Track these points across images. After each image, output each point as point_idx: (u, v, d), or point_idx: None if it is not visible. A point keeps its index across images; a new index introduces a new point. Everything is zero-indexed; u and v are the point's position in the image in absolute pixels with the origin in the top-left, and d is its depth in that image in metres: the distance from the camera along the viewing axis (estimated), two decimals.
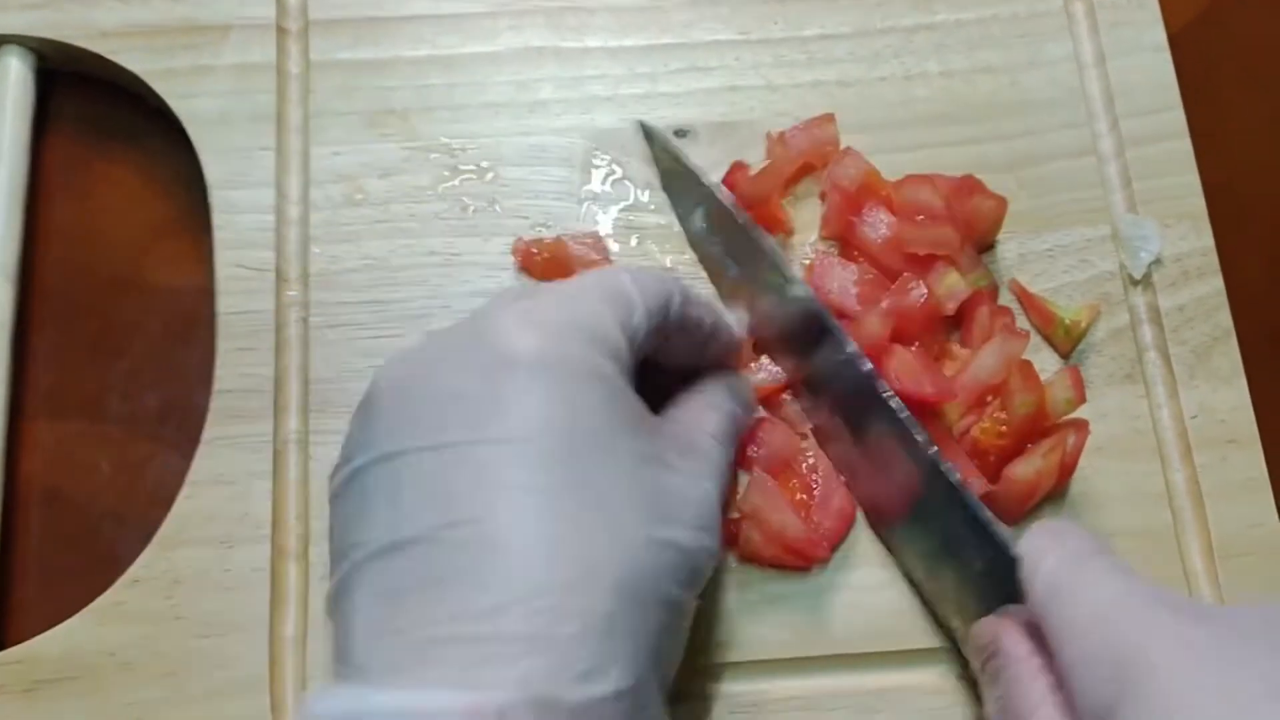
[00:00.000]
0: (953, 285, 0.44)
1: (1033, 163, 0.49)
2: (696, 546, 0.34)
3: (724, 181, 0.47)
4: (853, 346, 0.41)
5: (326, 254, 0.46)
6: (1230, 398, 0.46)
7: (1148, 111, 0.50)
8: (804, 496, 0.43)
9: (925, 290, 0.44)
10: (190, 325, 0.47)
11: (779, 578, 0.43)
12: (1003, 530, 0.38)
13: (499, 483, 0.31)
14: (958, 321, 0.46)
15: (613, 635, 0.30)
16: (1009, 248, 0.48)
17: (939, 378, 0.43)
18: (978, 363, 0.43)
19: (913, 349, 0.44)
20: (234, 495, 0.43)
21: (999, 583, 0.36)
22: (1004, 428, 0.42)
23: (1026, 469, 0.42)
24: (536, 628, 0.29)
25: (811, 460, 0.44)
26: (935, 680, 0.42)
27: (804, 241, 0.47)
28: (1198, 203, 0.48)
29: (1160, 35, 0.51)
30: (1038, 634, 0.34)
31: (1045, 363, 0.46)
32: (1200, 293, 0.47)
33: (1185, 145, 0.49)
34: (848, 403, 0.42)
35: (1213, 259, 0.48)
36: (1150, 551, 0.44)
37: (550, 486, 0.31)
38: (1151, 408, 0.46)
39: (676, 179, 0.47)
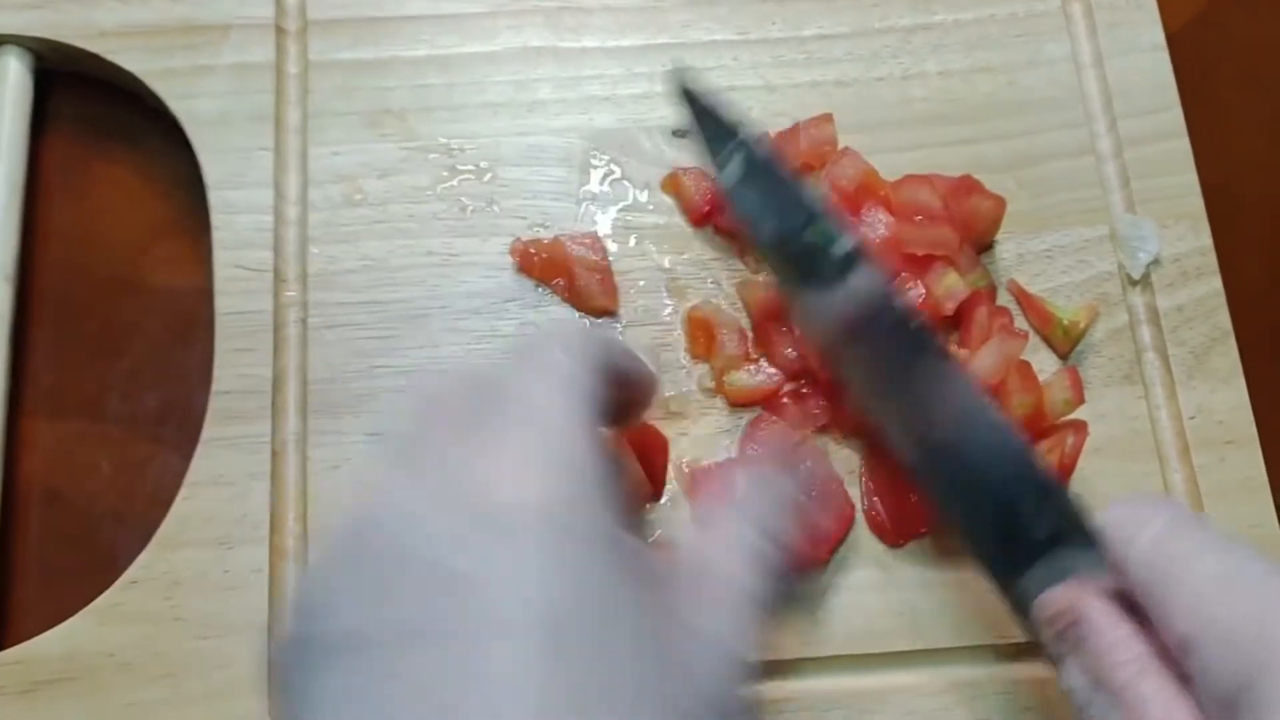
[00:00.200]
0: (951, 285, 0.44)
1: (1031, 163, 0.49)
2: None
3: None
4: (911, 304, 0.38)
5: (325, 254, 0.46)
6: (1229, 398, 0.46)
7: (1146, 111, 0.50)
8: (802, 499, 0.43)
9: (924, 290, 0.44)
10: (189, 326, 0.47)
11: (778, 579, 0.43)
12: (1075, 498, 0.36)
13: (501, 694, 0.25)
14: (956, 322, 0.46)
15: None
16: (1007, 248, 0.48)
17: None
18: (976, 363, 0.43)
19: None
20: (233, 496, 0.43)
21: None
22: None
23: None
24: None
25: (809, 463, 0.44)
26: (935, 680, 0.42)
27: None
28: (1196, 203, 0.48)
29: (1158, 35, 0.51)
30: (1120, 602, 0.32)
31: (1044, 363, 0.46)
32: (1199, 293, 0.47)
33: (1184, 145, 0.49)
34: (900, 361, 0.39)
35: (1211, 259, 0.48)
36: None
37: (557, 690, 0.25)
38: (1150, 408, 0.46)
39: (710, 128, 0.43)
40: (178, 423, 0.46)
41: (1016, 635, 0.42)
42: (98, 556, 0.44)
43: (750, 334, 0.45)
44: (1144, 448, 0.45)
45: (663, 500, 0.43)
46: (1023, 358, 0.43)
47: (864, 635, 0.42)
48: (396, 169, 0.47)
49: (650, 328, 0.46)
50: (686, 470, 0.44)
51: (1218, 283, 0.47)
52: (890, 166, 0.47)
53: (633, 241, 0.47)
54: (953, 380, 0.38)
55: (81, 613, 0.41)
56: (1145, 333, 0.47)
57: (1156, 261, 0.47)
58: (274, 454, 0.43)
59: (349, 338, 0.45)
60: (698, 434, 0.45)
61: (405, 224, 0.47)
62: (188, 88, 0.48)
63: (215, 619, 0.41)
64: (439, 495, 0.28)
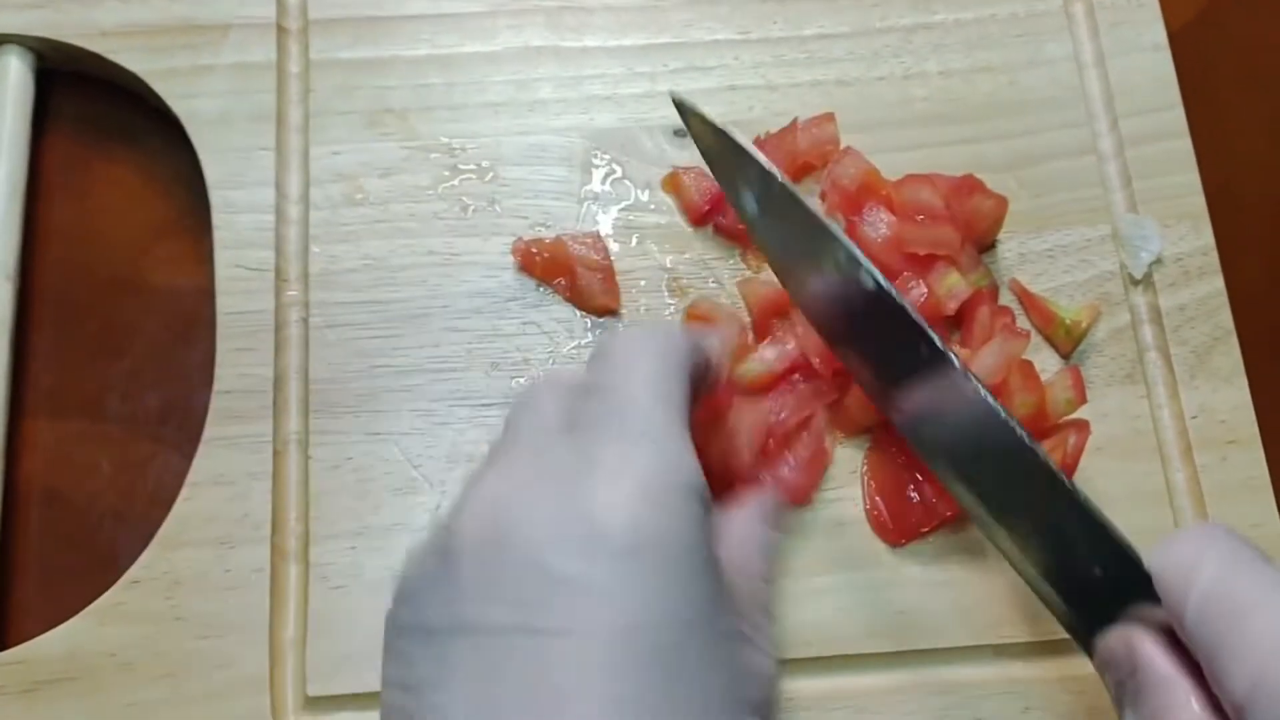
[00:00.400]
0: (953, 285, 0.44)
1: (1032, 162, 0.49)
2: None
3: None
4: (937, 341, 0.36)
5: (326, 254, 0.46)
6: (1231, 398, 0.46)
7: (1147, 111, 0.50)
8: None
9: (926, 290, 0.44)
10: (190, 325, 0.47)
11: (780, 579, 0.42)
12: (1124, 537, 0.34)
13: (598, 687, 0.28)
14: (958, 321, 0.46)
15: None
16: (1009, 247, 0.48)
17: None
18: (978, 363, 0.43)
19: None
20: (234, 496, 0.43)
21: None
22: None
23: None
24: None
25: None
26: (937, 680, 0.42)
27: None
28: (1198, 202, 0.48)
29: (1160, 34, 0.51)
30: (1176, 644, 0.31)
31: (1046, 363, 0.46)
32: (1201, 293, 0.47)
33: (1185, 145, 0.49)
34: (930, 395, 0.38)
35: (1213, 259, 0.48)
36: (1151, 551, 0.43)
37: (650, 691, 0.28)
38: (1152, 408, 0.46)
39: (722, 158, 0.41)
40: (178, 423, 0.46)
41: (1018, 635, 0.42)
42: (98, 556, 0.44)
43: (750, 330, 0.45)
44: (1146, 447, 0.45)
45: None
46: (1025, 357, 0.43)
47: (865, 635, 0.42)
48: (398, 168, 0.47)
49: None
50: None
51: (1219, 282, 0.47)
52: (891, 166, 0.47)
53: (634, 241, 0.47)
54: (993, 424, 0.36)
55: (82, 613, 0.41)
56: (1147, 332, 0.47)
57: (1158, 261, 0.47)
58: (275, 454, 0.43)
59: (350, 337, 0.45)
60: None
61: (406, 223, 0.47)
62: (188, 87, 0.48)
63: (216, 619, 0.41)
64: (557, 504, 0.30)
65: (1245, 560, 0.30)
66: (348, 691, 0.41)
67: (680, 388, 0.34)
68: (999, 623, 0.42)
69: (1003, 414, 0.35)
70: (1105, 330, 0.47)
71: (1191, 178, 0.49)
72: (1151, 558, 0.32)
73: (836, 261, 0.38)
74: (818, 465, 0.44)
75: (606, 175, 0.48)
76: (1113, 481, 0.44)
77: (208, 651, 0.41)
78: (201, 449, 0.43)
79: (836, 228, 0.38)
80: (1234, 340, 0.46)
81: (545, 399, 0.35)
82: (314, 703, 0.41)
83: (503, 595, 0.29)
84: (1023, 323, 0.46)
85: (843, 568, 0.43)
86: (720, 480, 0.43)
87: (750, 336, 0.45)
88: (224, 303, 0.45)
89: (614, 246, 0.47)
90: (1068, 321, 0.46)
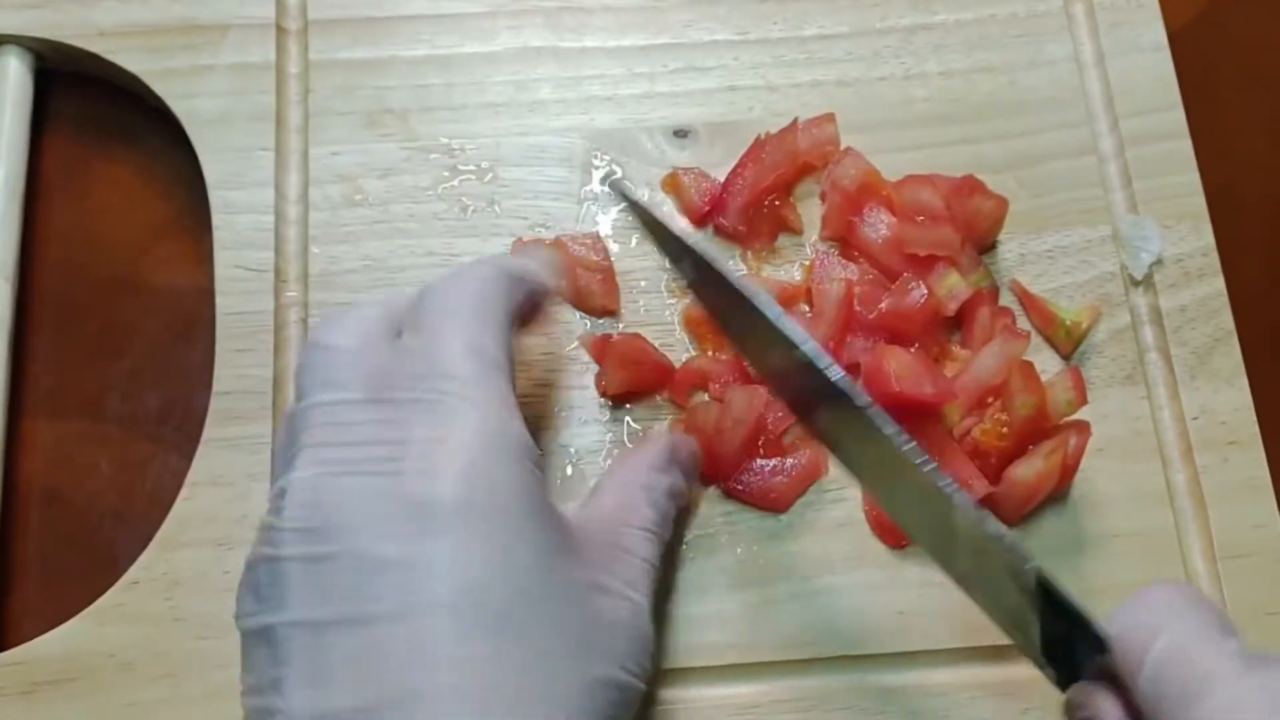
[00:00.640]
0: (953, 286, 0.44)
1: (1033, 163, 0.49)
2: (632, 677, 0.33)
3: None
4: (871, 406, 0.35)
5: (325, 254, 0.46)
6: (1232, 399, 0.46)
7: (1148, 111, 0.49)
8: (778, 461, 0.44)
9: (926, 291, 0.44)
10: (189, 326, 0.47)
11: (779, 579, 0.43)
12: (1080, 603, 0.33)
13: (432, 657, 0.29)
14: (958, 322, 0.46)
15: None
16: (1009, 248, 0.48)
17: (939, 379, 0.43)
18: (978, 364, 0.43)
19: (913, 350, 0.44)
20: (233, 496, 0.42)
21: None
22: (1005, 429, 0.42)
23: (1027, 471, 0.42)
24: None
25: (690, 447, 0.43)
26: (937, 681, 0.42)
27: (804, 241, 0.47)
28: (1198, 202, 0.48)
29: (1160, 35, 0.51)
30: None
31: (1046, 364, 0.46)
32: (1201, 293, 0.47)
33: (1185, 145, 0.49)
34: (872, 462, 0.38)
35: (1213, 259, 0.48)
36: (1151, 553, 0.43)
37: (487, 654, 0.29)
38: (1153, 409, 0.46)
39: (659, 237, 0.41)
40: (178, 423, 0.46)
41: None
42: (98, 557, 0.44)
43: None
44: (1147, 448, 0.45)
45: None
46: (1025, 358, 0.43)
47: (866, 635, 0.42)
48: (397, 169, 0.47)
49: (652, 327, 0.45)
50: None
51: (1220, 283, 0.47)
52: (891, 166, 0.47)
53: (634, 241, 0.47)
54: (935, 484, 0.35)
55: (82, 613, 0.41)
56: (1148, 333, 0.47)
57: (1159, 262, 0.47)
58: (274, 455, 0.43)
59: None
60: None
61: (406, 224, 0.47)
62: (188, 87, 0.48)
63: (215, 619, 0.41)
64: (373, 488, 0.31)
65: (1201, 632, 0.30)
66: None
67: (498, 336, 0.33)
68: None
69: (946, 486, 0.34)
70: (1105, 331, 0.47)
71: (1191, 178, 0.49)
72: (1111, 621, 0.32)
73: (769, 332, 0.37)
74: (808, 477, 0.44)
75: (606, 176, 0.48)
76: (1113, 482, 0.44)
77: (207, 652, 0.41)
78: (201, 449, 0.43)
79: (766, 297, 0.36)
80: (1234, 341, 0.46)
81: (341, 364, 0.33)
82: None
83: (329, 589, 0.30)
84: (1023, 324, 0.46)
85: (843, 568, 0.43)
86: (706, 457, 0.43)
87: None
88: (223, 303, 0.45)
89: (614, 247, 0.47)
90: (1068, 322, 0.46)
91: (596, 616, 0.33)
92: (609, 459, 0.44)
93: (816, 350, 0.35)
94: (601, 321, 0.46)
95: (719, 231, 0.47)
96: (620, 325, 0.46)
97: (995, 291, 0.46)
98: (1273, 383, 0.47)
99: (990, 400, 0.43)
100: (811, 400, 0.38)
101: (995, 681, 0.42)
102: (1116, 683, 0.32)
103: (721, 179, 0.47)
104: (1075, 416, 0.43)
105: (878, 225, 0.46)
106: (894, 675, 0.42)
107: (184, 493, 0.43)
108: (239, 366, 0.44)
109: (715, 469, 0.43)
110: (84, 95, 0.50)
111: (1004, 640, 0.42)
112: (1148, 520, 0.44)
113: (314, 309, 0.45)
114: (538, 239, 0.46)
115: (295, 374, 0.35)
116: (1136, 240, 0.47)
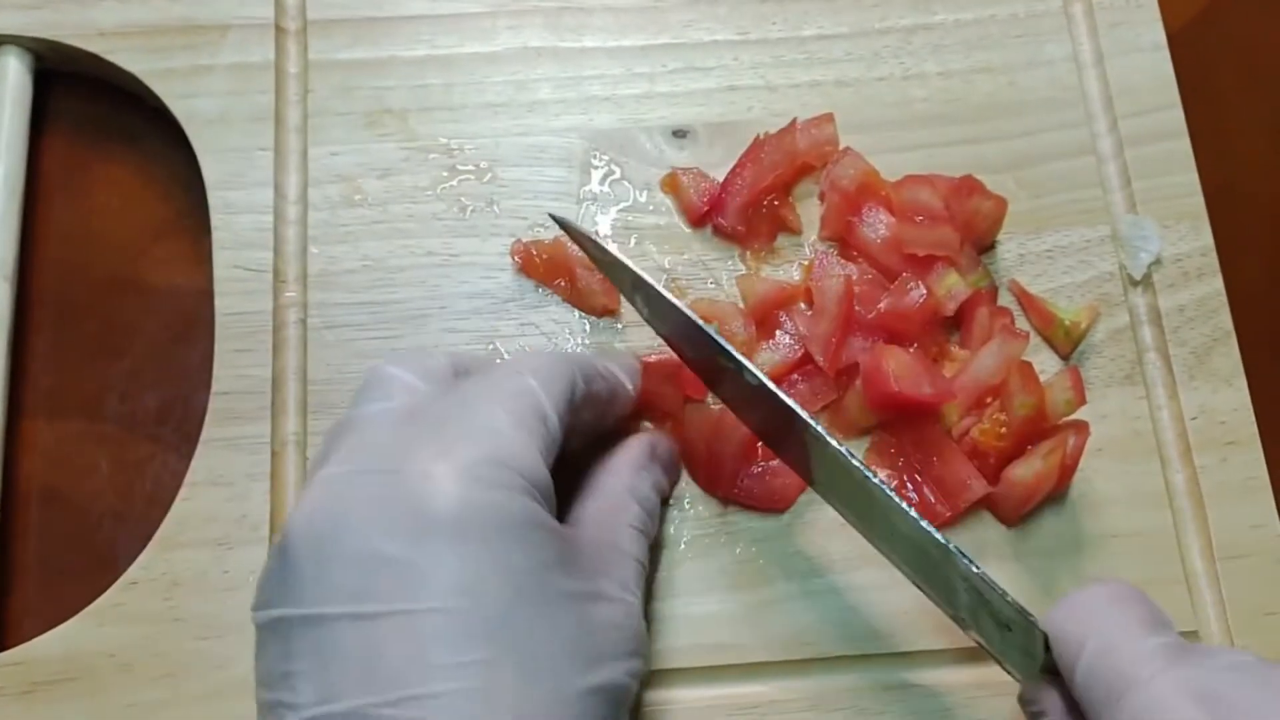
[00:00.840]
0: (952, 286, 0.44)
1: (1031, 163, 0.49)
2: (628, 678, 0.34)
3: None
4: (820, 431, 0.37)
5: (325, 254, 0.46)
6: (1230, 399, 0.46)
7: (1147, 111, 0.50)
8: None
9: (925, 291, 0.44)
10: (189, 326, 0.47)
11: (779, 579, 0.43)
12: (1018, 605, 0.35)
13: (431, 660, 0.30)
14: (957, 322, 0.46)
15: None
16: (1008, 248, 0.48)
17: (938, 379, 0.43)
18: (977, 364, 0.43)
19: (912, 350, 0.44)
20: (232, 496, 0.43)
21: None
22: (1004, 429, 0.42)
23: (1026, 470, 0.42)
24: None
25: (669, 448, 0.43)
26: (935, 680, 0.42)
27: (803, 241, 0.47)
28: (1197, 202, 0.48)
29: (1159, 35, 0.51)
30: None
31: (1045, 364, 0.46)
32: (1200, 293, 0.47)
33: (1185, 145, 0.49)
34: (827, 480, 0.40)
35: (1212, 259, 0.48)
36: (1150, 552, 0.44)
37: (484, 659, 0.30)
38: (1151, 409, 0.46)
39: (609, 268, 0.42)
40: (177, 423, 0.46)
41: None
42: (98, 556, 0.44)
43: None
44: (1145, 448, 0.45)
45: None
46: (1024, 358, 0.43)
47: (866, 635, 0.42)
48: (396, 169, 0.47)
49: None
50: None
51: (1219, 283, 0.47)
52: (890, 167, 0.47)
53: (633, 242, 0.47)
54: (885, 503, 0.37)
55: (81, 613, 0.41)
56: (1147, 333, 0.47)
57: (1158, 262, 0.47)
58: (273, 454, 0.43)
59: (349, 338, 0.45)
60: None
61: (405, 224, 0.47)
62: (187, 87, 0.48)
63: (215, 619, 0.41)
64: (381, 488, 0.32)
65: (1127, 631, 0.32)
66: None
67: (547, 417, 0.35)
68: None
69: (891, 497, 0.36)
70: (1104, 331, 0.47)
71: (1191, 178, 0.49)
72: (1047, 620, 0.34)
73: (720, 360, 0.39)
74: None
75: (605, 176, 0.48)
76: (1112, 482, 0.44)
77: (207, 652, 0.41)
78: (200, 449, 0.43)
79: (712, 330, 0.38)
80: (1233, 341, 0.46)
81: (399, 387, 0.36)
82: None
83: (334, 584, 0.31)
84: (1022, 324, 0.46)
85: (843, 568, 0.43)
86: (705, 465, 0.43)
87: (753, 331, 0.45)
88: (222, 303, 0.45)
89: (613, 248, 0.47)
90: (1067, 322, 0.46)
91: (593, 622, 0.33)
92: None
93: (763, 374, 0.38)
94: (601, 322, 0.46)
95: (718, 231, 0.47)
96: (620, 325, 0.46)
97: (994, 291, 0.46)
98: (1271, 383, 0.47)
99: (989, 400, 0.43)
100: (767, 423, 0.40)
101: (995, 681, 0.42)
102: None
103: (721, 179, 0.47)
104: (1074, 416, 0.43)
105: (877, 225, 0.46)
106: (894, 675, 0.42)
107: (183, 493, 0.43)
108: (238, 366, 0.44)
109: (715, 470, 0.43)
110: (84, 95, 0.50)
111: None
112: (1146, 520, 0.44)
113: (313, 309, 0.45)
114: (538, 240, 0.46)
115: (356, 392, 0.37)
116: (1135, 240, 0.47)
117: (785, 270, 0.47)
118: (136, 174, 0.49)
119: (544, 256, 0.46)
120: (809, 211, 0.48)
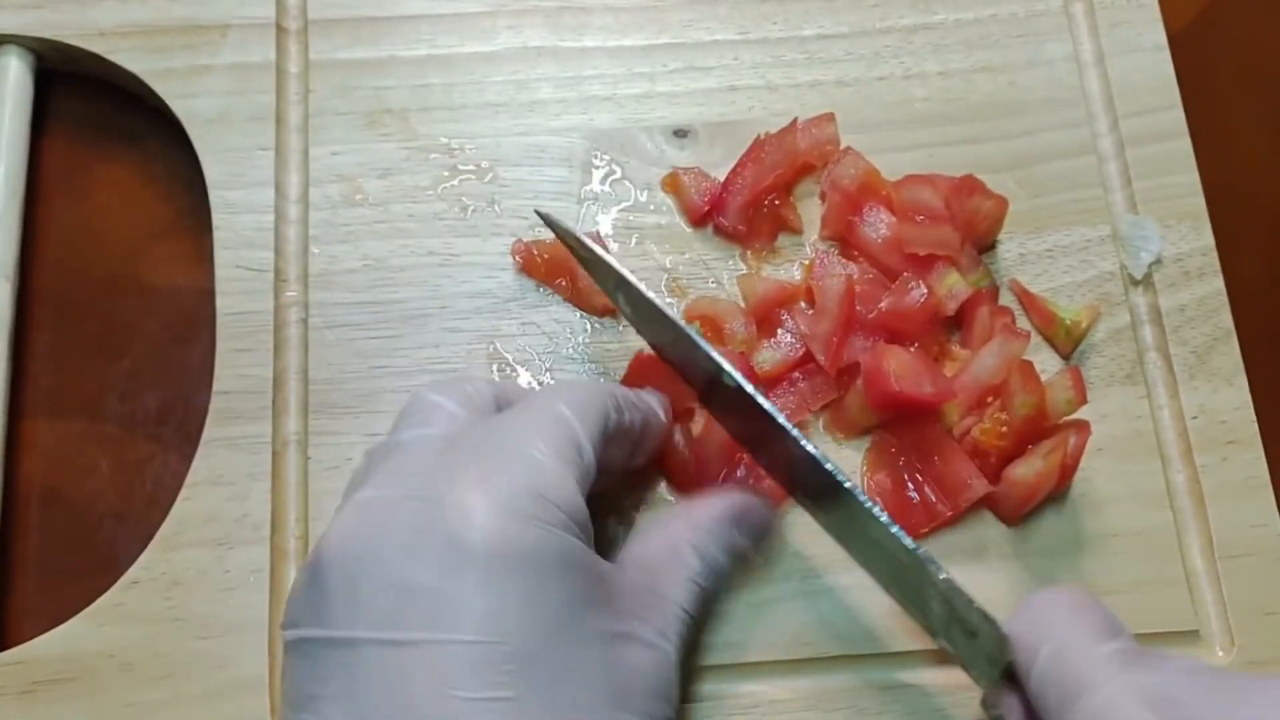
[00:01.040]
0: (953, 285, 0.44)
1: (1032, 163, 0.49)
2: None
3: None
4: (795, 434, 0.37)
5: (326, 254, 0.46)
6: (1231, 398, 0.46)
7: (1147, 111, 0.50)
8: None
9: (925, 290, 0.44)
10: (189, 326, 0.47)
11: (779, 579, 0.43)
12: (983, 611, 0.36)
13: (458, 693, 0.30)
14: (958, 322, 0.46)
15: None
16: (1009, 248, 0.48)
17: (939, 378, 0.43)
18: (978, 363, 0.43)
19: (912, 349, 0.44)
20: (233, 496, 0.42)
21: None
22: (1004, 428, 0.42)
23: (1027, 470, 0.42)
24: None
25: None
26: (938, 680, 0.42)
27: (804, 241, 0.47)
28: (1198, 202, 0.48)
29: (1160, 35, 0.51)
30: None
31: (1046, 363, 0.46)
32: (1201, 293, 0.47)
33: (1185, 145, 0.49)
34: (803, 485, 0.40)
35: (1213, 259, 0.48)
36: (1151, 552, 0.44)
37: (511, 696, 0.30)
38: (1152, 408, 0.46)
39: (593, 267, 0.42)
40: (178, 423, 0.46)
41: None
42: (98, 557, 0.44)
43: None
44: (1146, 447, 0.45)
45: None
46: (1025, 357, 0.43)
47: (867, 635, 0.42)
48: (397, 169, 0.47)
49: None
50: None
51: (1219, 282, 0.47)
52: (891, 166, 0.47)
53: (634, 241, 0.47)
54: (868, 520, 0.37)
55: (82, 613, 0.41)
56: (1147, 332, 0.47)
57: (1158, 261, 0.47)
58: (274, 454, 0.43)
59: (350, 338, 0.45)
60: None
61: (406, 224, 0.47)
62: (188, 87, 0.48)
63: (215, 619, 0.41)
64: (418, 516, 0.32)
65: (1081, 637, 0.32)
66: None
67: (583, 447, 0.35)
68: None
69: (863, 502, 0.36)
70: (1105, 331, 0.47)
71: (1191, 178, 0.49)
72: (1008, 625, 0.34)
73: (702, 361, 0.39)
74: None
75: (606, 176, 0.48)
76: (1113, 482, 0.44)
77: (207, 652, 0.41)
78: (201, 449, 0.43)
79: (693, 330, 0.39)
80: (1234, 340, 0.46)
81: (440, 414, 0.36)
82: None
83: (365, 609, 0.31)
84: (1023, 323, 0.46)
85: (843, 568, 0.43)
86: (698, 467, 0.43)
87: (754, 331, 0.45)
88: (223, 303, 0.45)
89: (614, 247, 0.47)
90: (1068, 322, 0.46)
91: (624, 664, 0.33)
92: None
93: (743, 376, 0.38)
94: (602, 321, 0.46)
95: (719, 231, 0.47)
96: (621, 325, 0.46)
97: (995, 291, 0.46)
98: (1272, 382, 0.47)
99: (990, 400, 0.43)
100: (747, 426, 0.40)
101: None
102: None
103: (721, 179, 0.47)
104: (1075, 416, 0.43)
105: (877, 225, 0.46)
106: (894, 675, 0.42)
107: (184, 493, 0.43)
108: (239, 366, 0.44)
109: (711, 470, 0.43)
110: (84, 95, 0.50)
111: None
112: (1147, 519, 0.44)
113: (314, 309, 0.45)
114: (540, 240, 0.46)
115: (397, 417, 0.37)
116: (1136, 240, 0.47)
117: (786, 270, 0.47)
118: (137, 174, 0.49)
119: (545, 256, 0.46)
120: (810, 211, 0.48)
